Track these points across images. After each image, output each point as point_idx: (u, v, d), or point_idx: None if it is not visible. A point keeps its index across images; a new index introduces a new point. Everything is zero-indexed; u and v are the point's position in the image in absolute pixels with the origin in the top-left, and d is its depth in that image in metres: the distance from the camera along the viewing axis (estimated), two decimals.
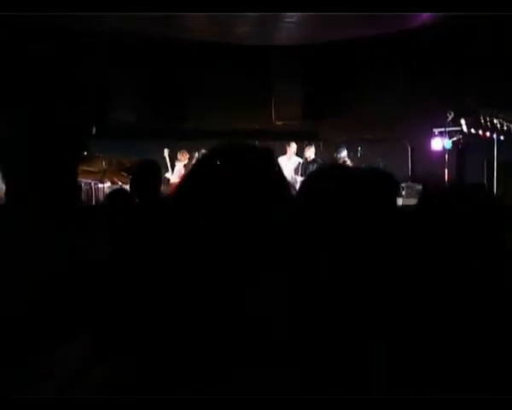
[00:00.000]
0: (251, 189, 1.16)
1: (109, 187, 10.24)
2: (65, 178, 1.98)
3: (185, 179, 1.25)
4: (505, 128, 10.76)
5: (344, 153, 11.11)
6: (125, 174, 10.06)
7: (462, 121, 10.76)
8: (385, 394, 1.16)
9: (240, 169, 1.18)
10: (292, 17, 11.23)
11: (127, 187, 7.45)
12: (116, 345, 1.12)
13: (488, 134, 10.78)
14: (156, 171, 4.26)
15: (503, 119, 10.79)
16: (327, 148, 11.90)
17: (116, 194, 4.82)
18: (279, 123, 13.05)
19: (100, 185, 10.35)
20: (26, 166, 1.89)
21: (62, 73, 11.13)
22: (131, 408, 1.05)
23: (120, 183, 10.10)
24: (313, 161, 11.07)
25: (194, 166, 1.27)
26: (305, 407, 1.09)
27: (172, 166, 10.86)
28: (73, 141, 2.06)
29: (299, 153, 11.46)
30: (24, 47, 10.80)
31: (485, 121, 10.74)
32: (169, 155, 11.01)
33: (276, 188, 1.21)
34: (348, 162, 10.84)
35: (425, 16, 11.28)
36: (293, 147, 11.23)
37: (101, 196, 10.09)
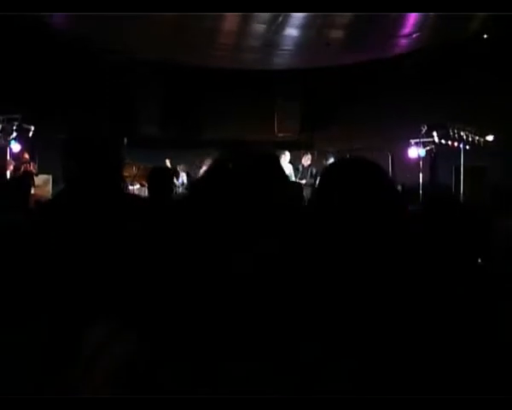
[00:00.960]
0: (260, 186, 1.08)
1: (138, 189, 10.35)
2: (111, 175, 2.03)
3: (201, 179, 1.16)
4: (470, 139, 10.80)
5: (332, 160, 11.21)
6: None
7: (434, 134, 10.78)
8: (380, 393, 1.01)
9: (250, 170, 1.11)
10: (290, 46, 11.34)
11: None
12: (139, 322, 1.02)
13: (456, 144, 10.80)
14: (167, 176, 4.16)
15: (469, 131, 10.85)
16: (320, 156, 11.94)
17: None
18: (280, 135, 13.09)
19: (131, 187, 10.46)
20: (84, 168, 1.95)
21: (106, 98, 11.35)
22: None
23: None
24: (308, 166, 11.19)
25: (208, 168, 1.15)
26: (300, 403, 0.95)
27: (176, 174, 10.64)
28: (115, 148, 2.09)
29: (292, 161, 11.49)
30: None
31: (454, 134, 10.77)
32: (171, 164, 10.88)
33: (281, 187, 1.14)
34: None
35: (403, 46, 11.37)
36: (287, 156, 11.17)
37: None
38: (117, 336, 1.02)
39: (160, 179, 4.06)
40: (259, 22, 10.52)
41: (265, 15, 10.30)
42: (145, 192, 9.96)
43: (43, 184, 9.14)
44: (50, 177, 9.50)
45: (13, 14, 9.46)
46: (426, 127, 10.87)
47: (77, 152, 1.96)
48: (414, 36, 10.74)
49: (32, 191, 8.65)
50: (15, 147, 9.79)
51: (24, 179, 8.02)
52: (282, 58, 11.99)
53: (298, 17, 10.13)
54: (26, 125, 9.82)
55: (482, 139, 10.87)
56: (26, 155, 9.95)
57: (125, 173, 9.93)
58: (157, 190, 3.99)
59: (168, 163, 10.68)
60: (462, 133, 10.80)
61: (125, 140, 10.25)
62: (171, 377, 0.95)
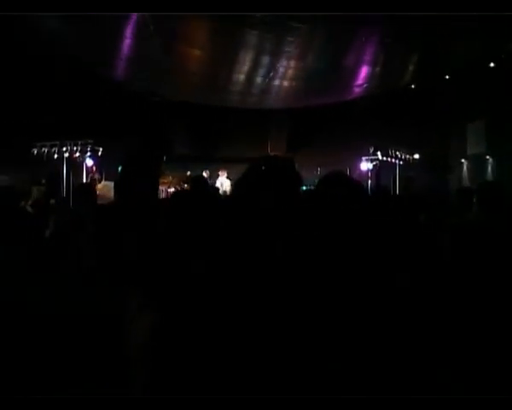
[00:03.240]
0: (286, 187, 0.98)
1: (173, 191, 10.42)
2: (152, 184, 1.98)
3: (239, 182, 1.01)
4: (403, 157, 10.91)
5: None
6: (182, 183, 10.29)
7: (379, 153, 10.82)
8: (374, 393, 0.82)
9: (279, 173, 1.01)
10: (279, 92, 11.42)
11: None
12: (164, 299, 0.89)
13: (393, 161, 10.90)
14: (205, 182, 3.82)
15: (402, 152, 10.96)
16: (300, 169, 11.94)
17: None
18: (272, 154, 13.22)
19: (168, 190, 10.57)
20: (133, 178, 1.90)
21: (150, 128, 11.44)
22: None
23: (179, 188, 10.30)
24: None
25: (245, 173, 1.02)
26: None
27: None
28: (156, 164, 2.08)
29: None
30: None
31: (392, 153, 10.87)
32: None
33: (298, 186, 1.03)
34: None
35: (357, 93, 11.44)
36: None
37: (168, 196, 10.28)
38: (144, 309, 0.90)
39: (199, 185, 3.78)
40: (258, 75, 10.64)
41: (262, 71, 10.42)
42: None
43: (105, 188, 9.23)
44: (112, 183, 9.55)
45: (87, 72, 9.68)
46: (373, 148, 10.92)
47: (131, 166, 1.96)
48: (364, 86, 10.84)
49: (98, 193, 8.81)
50: (89, 162, 9.94)
51: (91, 184, 8.18)
52: (274, 101, 12.08)
53: (283, 72, 10.25)
54: (96, 147, 9.95)
55: (411, 157, 11.00)
56: (94, 168, 10.08)
57: (164, 181, 10.10)
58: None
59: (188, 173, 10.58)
60: (397, 153, 10.92)
61: (164, 157, 10.43)
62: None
